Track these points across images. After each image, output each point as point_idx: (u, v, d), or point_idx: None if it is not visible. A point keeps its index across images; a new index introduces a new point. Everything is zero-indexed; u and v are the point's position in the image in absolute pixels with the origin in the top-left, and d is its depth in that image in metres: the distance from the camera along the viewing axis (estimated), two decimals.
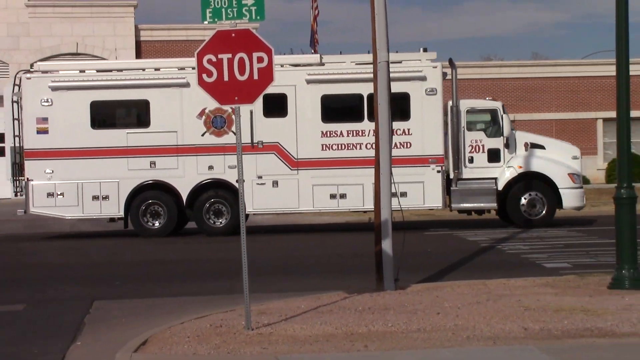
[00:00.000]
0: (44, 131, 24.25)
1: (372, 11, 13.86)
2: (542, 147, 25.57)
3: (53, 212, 24.49)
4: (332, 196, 24.38)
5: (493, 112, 25.26)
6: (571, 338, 10.02)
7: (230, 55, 10.93)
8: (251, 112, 23.89)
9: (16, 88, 24.72)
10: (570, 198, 25.06)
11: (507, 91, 47.92)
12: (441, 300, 12.42)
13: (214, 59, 10.94)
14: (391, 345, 9.90)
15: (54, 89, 24.29)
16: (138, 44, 45.16)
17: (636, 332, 10.20)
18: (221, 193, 24.42)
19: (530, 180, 25.03)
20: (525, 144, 25.27)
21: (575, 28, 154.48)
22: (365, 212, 25.29)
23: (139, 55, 44.12)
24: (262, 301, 12.71)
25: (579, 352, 9.49)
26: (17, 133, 24.54)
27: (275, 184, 24.35)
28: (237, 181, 23.33)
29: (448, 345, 9.81)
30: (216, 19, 11.51)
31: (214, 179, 24.36)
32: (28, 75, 24.59)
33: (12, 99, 24.64)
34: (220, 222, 24.54)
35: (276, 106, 24.22)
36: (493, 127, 25.21)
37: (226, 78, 10.94)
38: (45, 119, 24.27)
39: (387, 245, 13.53)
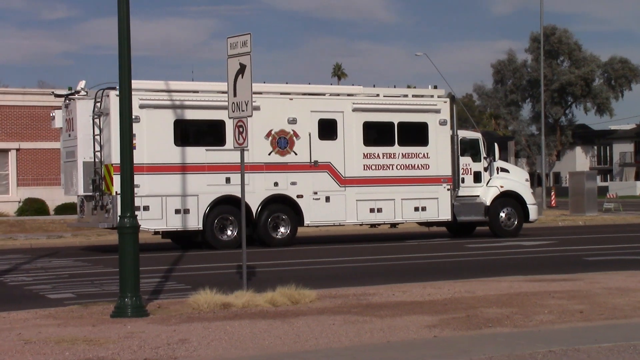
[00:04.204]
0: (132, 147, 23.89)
1: None
2: (507, 171, 31.32)
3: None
4: (371, 210, 28.18)
5: (476, 141, 30.80)
6: None
7: None
8: (309, 135, 27.44)
9: (97, 105, 25.42)
10: (534, 212, 31.24)
11: (12, 119, 46.84)
12: None
13: None
14: None
15: (142, 106, 25.47)
16: None
17: (137, 358, 10.32)
18: (283, 207, 27.22)
19: (506, 197, 30.67)
20: (498, 168, 30.87)
21: (81, 58, 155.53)
22: (395, 225, 30.19)
23: None
24: None
25: None
26: (97, 149, 25.41)
27: (327, 199, 27.63)
28: (297, 196, 28.33)
29: None
30: None
31: (279, 194, 27.13)
32: (117, 92, 24.05)
33: (93, 116, 25.48)
34: (281, 234, 27.42)
35: (329, 130, 27.83)
36: (476, 153, 30.58)
37: None
38: (133, 135, 22.88)
39: None
